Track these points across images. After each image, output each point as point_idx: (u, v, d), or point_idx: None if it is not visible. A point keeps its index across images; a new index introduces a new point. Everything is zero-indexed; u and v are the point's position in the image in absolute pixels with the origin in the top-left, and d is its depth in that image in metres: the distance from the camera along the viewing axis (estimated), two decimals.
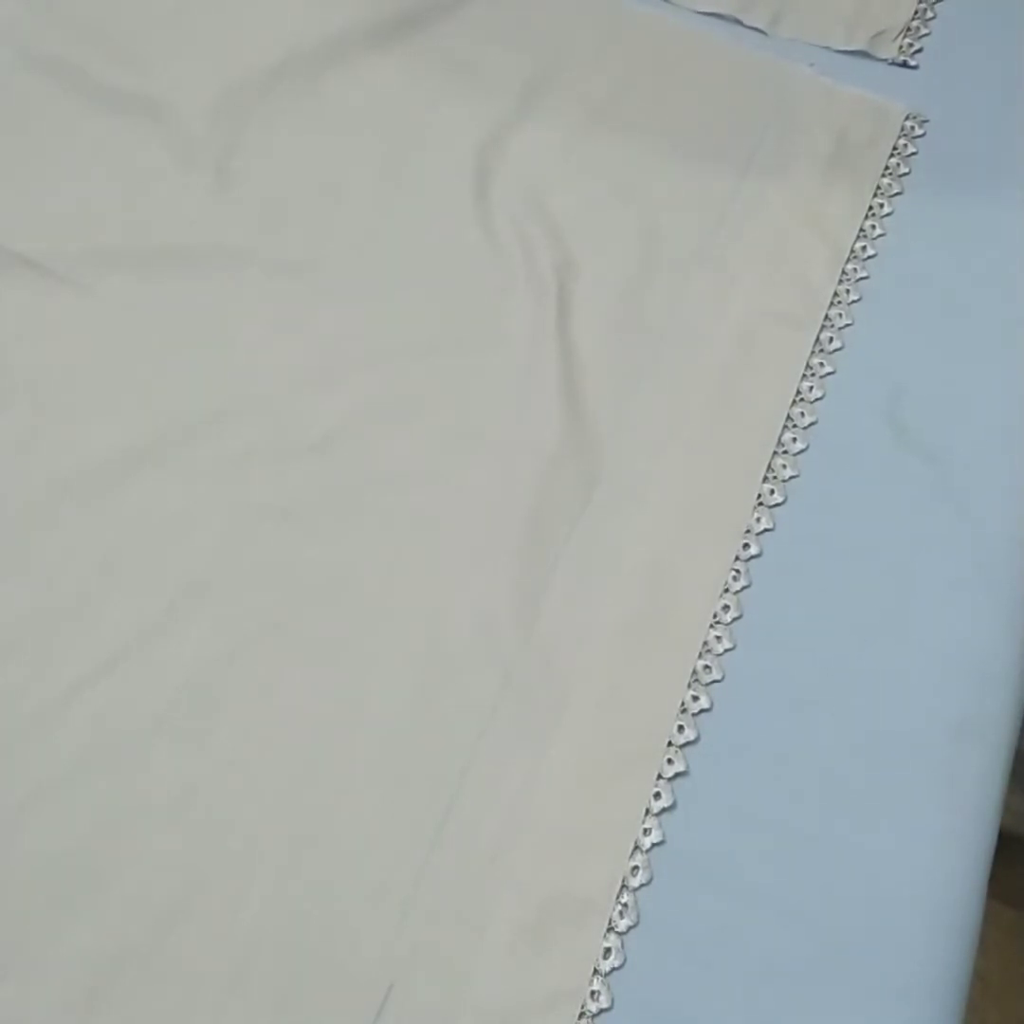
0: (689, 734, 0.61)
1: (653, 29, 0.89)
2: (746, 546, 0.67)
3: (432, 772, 0.59)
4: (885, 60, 0.89)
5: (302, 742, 0.60)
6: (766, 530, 0.67)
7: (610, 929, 0.56)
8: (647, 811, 0.59)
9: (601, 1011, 0.54)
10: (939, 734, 0.62)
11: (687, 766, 0.60)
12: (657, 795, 0.59)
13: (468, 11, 0.89)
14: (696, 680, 0.62)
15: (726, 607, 0.65)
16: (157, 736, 0.59)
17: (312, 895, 0.56)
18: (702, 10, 0.90)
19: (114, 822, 0.57)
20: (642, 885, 0.57)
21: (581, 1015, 0.54)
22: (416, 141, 0.81)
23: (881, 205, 0.81)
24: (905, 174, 0.83)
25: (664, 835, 0.58)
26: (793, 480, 0.69)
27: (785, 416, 0.71)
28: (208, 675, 0.61)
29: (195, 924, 0.55)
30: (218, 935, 0.55)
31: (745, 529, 0.67)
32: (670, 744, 0.60)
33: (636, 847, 0.58)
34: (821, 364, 0.73)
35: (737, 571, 0.66)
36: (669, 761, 0.60)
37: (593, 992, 0.55)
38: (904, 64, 0.89)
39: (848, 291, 0.77)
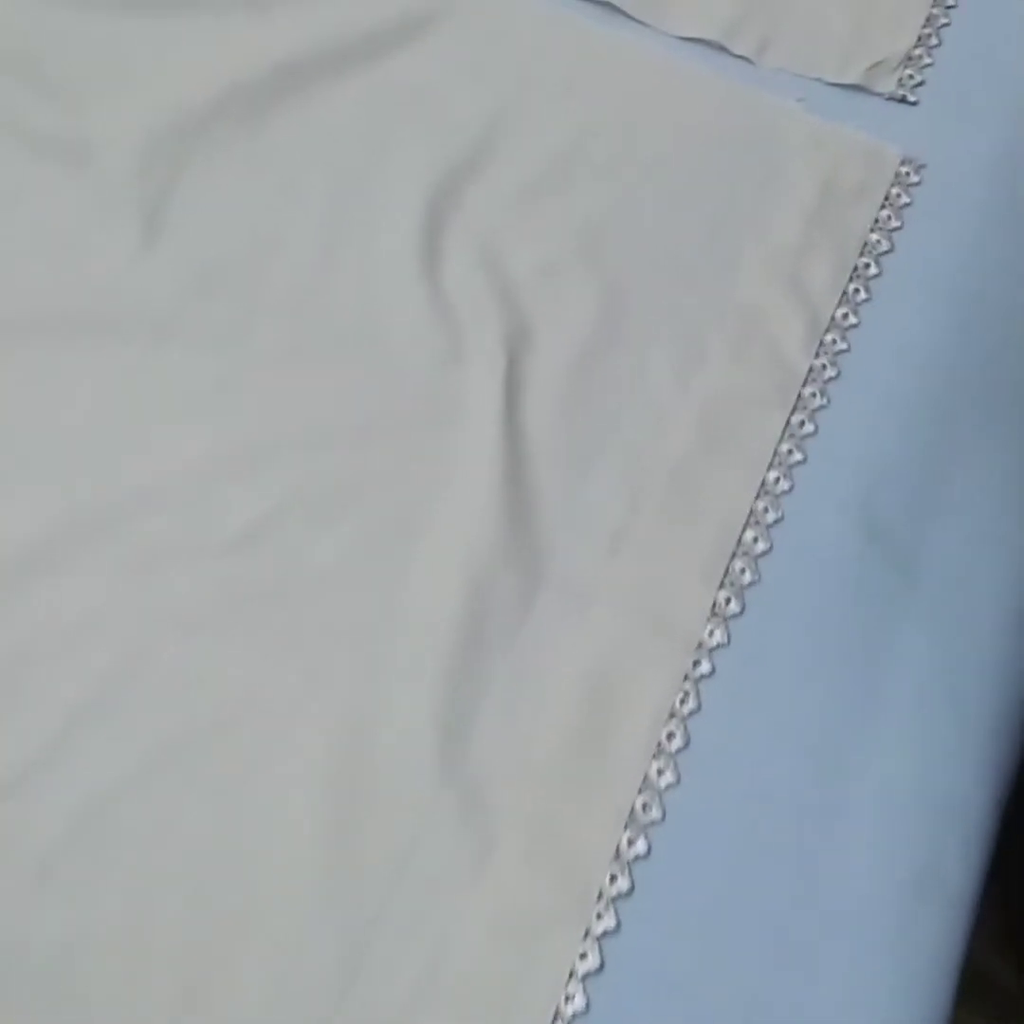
0: (622, 884, 0.56)
1: (628, 60, 0.82)
2: (697, 663, 0.61)
3: (341, 922, 0.55)
4: (882, 95, 0.82)
5: (200, 887, 0.55)
6: (720, 645, 0.62)
7: None
8: (571, 974, 0.54)
9: None
10: (894, 887, 0.57)
11: (618, 922, 0.55)
12: (583, 955, 0.54)
13: (433, 38, 0.82)
14: (633, 820, 0.57)
15: (671, 735, 0.60)
16: (42, 878, 0.55)
17: None
18: (684, 36, 0.83)
19: None
20: None
21: None
22: (364, 188, 0.75)
23: (867, 265, 0.74)
24: (896, 229, 0.76)
25: (589, 1002, 0.54)
26: (753, 586, 0.64)
27: (748, 512, 0.66)
28: (102, 808, 0.56)
29: None
30: None
31: (697, 644, 0.62)
32: (600, 896, 0.56)
33: (557, 1015, 0.53)
34: (790, 452, 0.67)
35: (686, 692, 0.61)
36: (598, 916, 0.55)
37: None
38: (903, 99, 0.82)
39: (825, 366, 0.70)
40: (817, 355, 0.71)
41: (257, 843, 0.56)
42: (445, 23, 0.81)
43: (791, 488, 0.66)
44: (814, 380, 0.70)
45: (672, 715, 0.60)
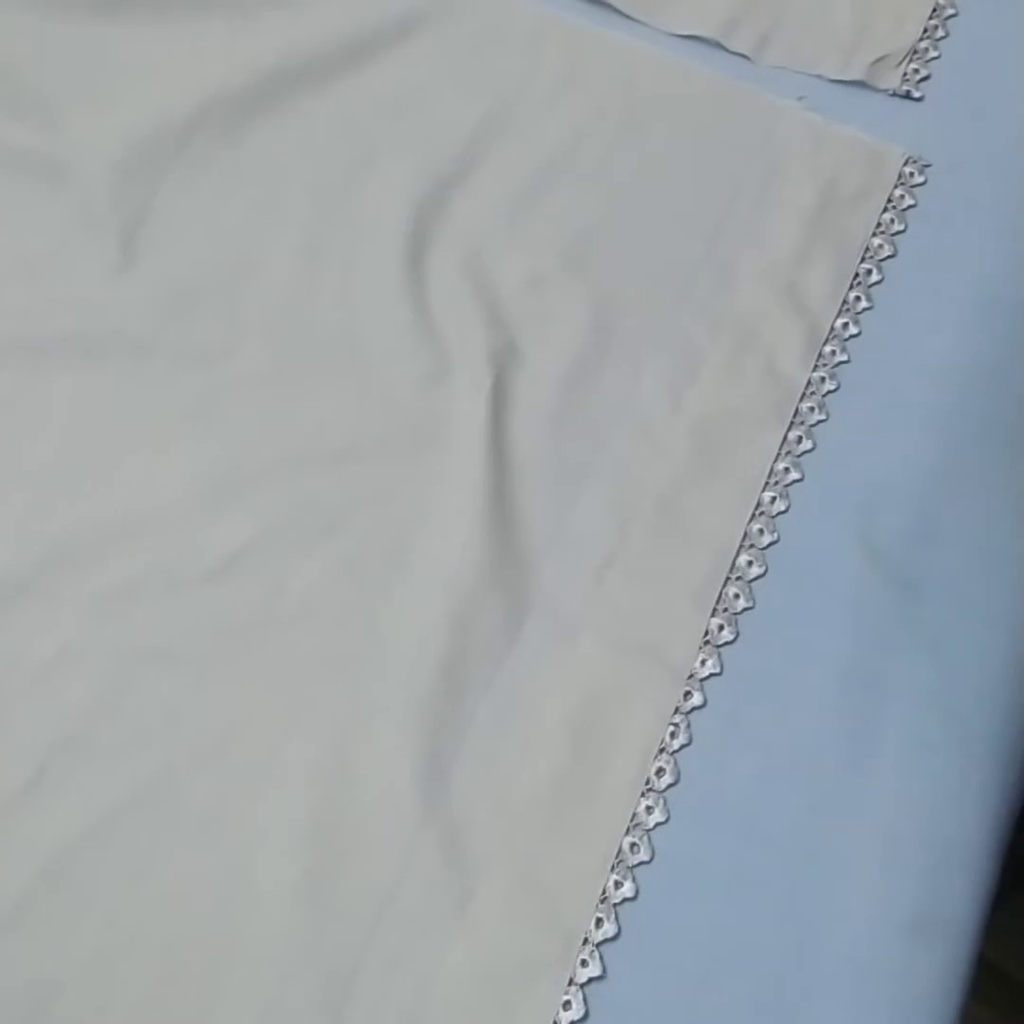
0: (608, 929, 0.54)
1: (622, 60, 0.79)
2: (688, 694, 0.59)
3: (322, 964, 0.53)
4: (886, 91, 0.79)
5: (175, 934, 0.54)
6: (712, 675, 0.60)
7: None
8: (554, 1023, 0.52)
9: None
10: (893, 931, 0.54)
11: (604, 969, 0.53)
12: (567, 1004, 0.52)
13: (417, 42, 0.79)
14: (621, 861, 0.55)
15: (661, 770, 0.57)
16: (12, 928, 0.53)
17: None
18: (680, 33, 0.80)
19: None
20: None
21: None
22: (347, 200, 0.73)
23: (869, 271, 0.72)
24: (899, 232, 0.73)
25: None
26: (746, 612, 0.61)
27: (742, 534, 0.63)
28: (75, 854, 0.55)
29: None
30: None
31: (688, 674, 0.60)
32: (586, 941, 0.54)
33: None
34: (786, 470, 0.65)
35: (676, 725, 0.58)
36: (583, 963, 0.53)
37: None
38: (907, 95, 0.79)
39: (823, 379, 0.68)
40: (815, 367, 0.68)
41: (236, 883, 0.55)
42: (432, 27, 0.79)
43: (787, 508, 0.64)
44: (812, 394, 0.67)
45: (662, 750, 0.58)
